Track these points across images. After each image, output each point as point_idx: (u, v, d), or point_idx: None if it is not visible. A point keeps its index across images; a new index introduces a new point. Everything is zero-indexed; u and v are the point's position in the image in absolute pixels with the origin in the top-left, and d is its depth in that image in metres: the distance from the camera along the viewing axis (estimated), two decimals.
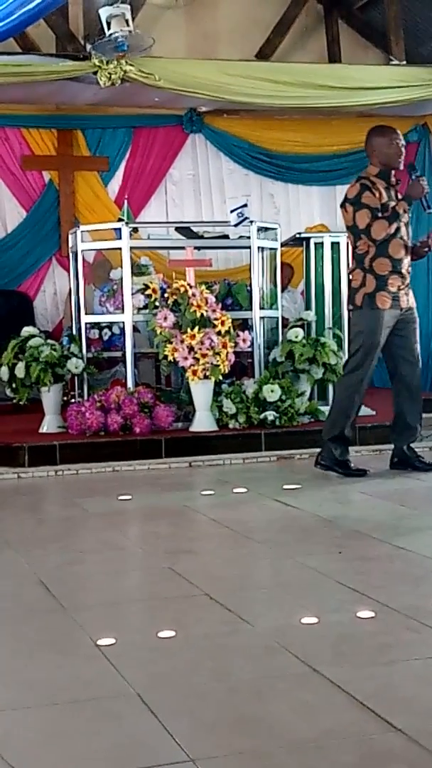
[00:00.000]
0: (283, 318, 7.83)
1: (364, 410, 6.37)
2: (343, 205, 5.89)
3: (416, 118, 9.56)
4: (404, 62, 8.77)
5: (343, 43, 9.67)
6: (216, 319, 6.92)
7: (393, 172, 5.88)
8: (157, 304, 7.21)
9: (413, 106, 8.80)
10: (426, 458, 6.18)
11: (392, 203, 5.76)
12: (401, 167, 5.90)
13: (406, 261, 5.89)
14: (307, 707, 2.62)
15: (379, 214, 5.72)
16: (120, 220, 7.83)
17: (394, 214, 5.73)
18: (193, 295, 6.93)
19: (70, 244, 7.91)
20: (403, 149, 5.87)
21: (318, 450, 6.12)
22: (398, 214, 5.73)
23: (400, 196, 5.84)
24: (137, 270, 7.91)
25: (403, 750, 2.36)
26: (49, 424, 7.14)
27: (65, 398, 7.38)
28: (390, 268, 5.81)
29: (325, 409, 7.25)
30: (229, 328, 6.94)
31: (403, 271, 5.87)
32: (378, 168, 5.86)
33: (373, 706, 2.59)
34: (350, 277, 5.97)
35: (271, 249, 7.74)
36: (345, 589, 3.68)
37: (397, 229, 5.79)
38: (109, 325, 7.85)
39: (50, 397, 7.17)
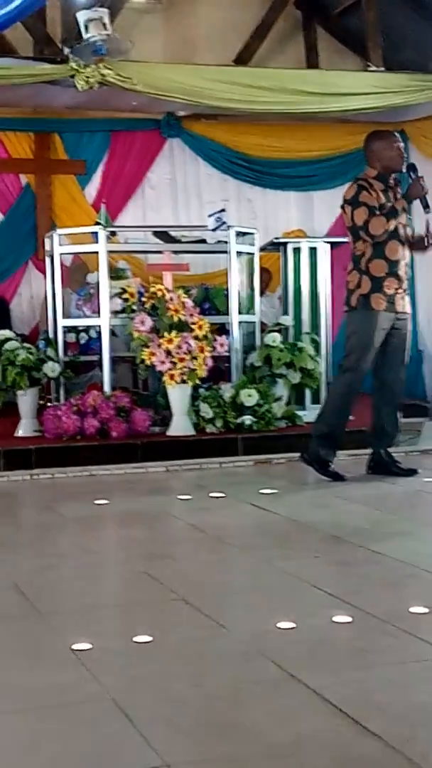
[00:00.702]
0: (260, 323, 7.83)
1: None
2: (342, 207, 5.92)
3: (394, 125, 9.55)
4: (382, 68, 8.79)
5: (322, 48, 9.69)
6: (193, 323, 6.91)
7: (393, 175, 5.90)
8: (134, 308, 7.20)
9: (391, 113, 8.82)
10: (403, 463, 6.20)
11: (390, 204, 5.78)
12: (403, 169, 5.91)
13: (404, 263, 5.89)
14: (283, 712, 2.61)
15: (377, 212, 5.74)
16: (97, 223, 7.81)
17: (393, 211, 5.74)
18: (171, 299, 6.92)
19: (46, 248, 7.88)
20: (403, 151, 5.90)
21: (296, 454, 6.14)
22: (396, 212, 5.74)
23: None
24: (114, 274, 7.90)
25: (379, 755, 2.35)
26: (25, 428, 7.10)
27: (41, 402, 7.34)
28: (386, 270, 5.82)
29: (303, 413, 7.29)
30: (207, 332, 6.94)
31: (400, 273, 5.87)
32: (377, 171, 5.88)
33: (350, 711, 2.58)
34: (347, 278, 5.98)
35: (248, 254, 7.74)
36: (322, 593, 3.67)
37: (396, 230, 5.80)
38: (86, 329, 7.83)
39: (26, 400, 7.13)
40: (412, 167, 5.91)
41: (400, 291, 5.88)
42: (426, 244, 5.96)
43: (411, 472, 6.07)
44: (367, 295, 5.83)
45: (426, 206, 5.82)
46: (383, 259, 5.82)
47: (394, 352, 5.97)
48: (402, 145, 5.96)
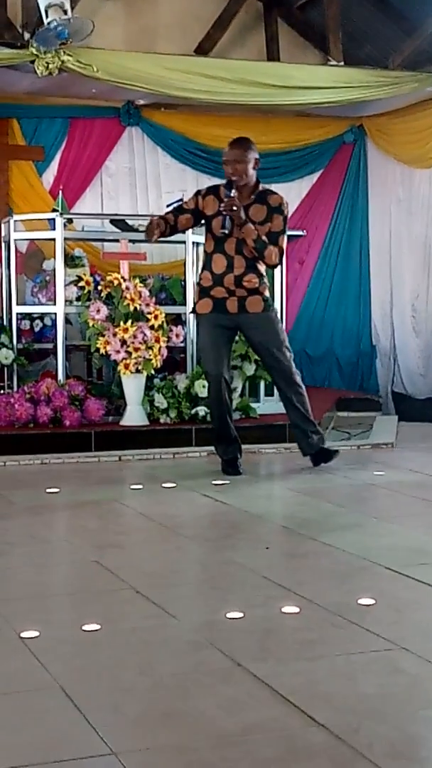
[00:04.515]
0: None
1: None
2: None
3: (353, 119, 9.64)
4: (342, 63, 8.81)
5: (282, 41, 9.69)
6: (149, 313, 6.91)
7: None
8: (90, 296, 7.17)
9: (350, 107, 8.86)
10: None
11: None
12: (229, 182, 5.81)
13: (233, 276, 5.85)
14: (230, 702, 2.63)
15: (188, 215, 5.94)
16: (54, 210, 7.77)
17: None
18: (127, 288, 6.91)
19: (2, 234, 7.81)
20: (228, 167, 5.80)
21: (250, 445, 6.18)
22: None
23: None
24: (71, 261, 7.86)
25: (325, 745, 2.38)
26: None
27: None
28: (211, 283, 5.94)
29: (256, 405, 7.31)
30: (162, 322, 6.94)
31: (228, 285, 5.88)
32: (227, 179, 5.87)
33: (297, 701, 2.61)
34: None
35: None
36: (271, 584, 3.70)
37: (219, 243, 5.86)
38: (41, 316, 7.79)
39: None
40: (228, 185, 5.80)
41: (231, 297, 5.90)
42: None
43: (331, 454, 6.14)
44: (195, 301, 6.05)
45: (222, 227, 5.76)
46: (209, 271, 5.93)
47: (260, 352, 6.11)
48: (227, 159, 5.82)
